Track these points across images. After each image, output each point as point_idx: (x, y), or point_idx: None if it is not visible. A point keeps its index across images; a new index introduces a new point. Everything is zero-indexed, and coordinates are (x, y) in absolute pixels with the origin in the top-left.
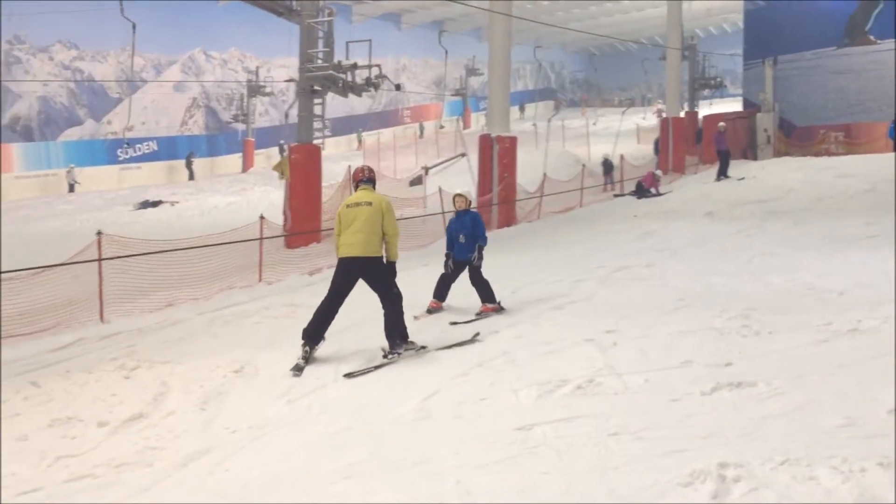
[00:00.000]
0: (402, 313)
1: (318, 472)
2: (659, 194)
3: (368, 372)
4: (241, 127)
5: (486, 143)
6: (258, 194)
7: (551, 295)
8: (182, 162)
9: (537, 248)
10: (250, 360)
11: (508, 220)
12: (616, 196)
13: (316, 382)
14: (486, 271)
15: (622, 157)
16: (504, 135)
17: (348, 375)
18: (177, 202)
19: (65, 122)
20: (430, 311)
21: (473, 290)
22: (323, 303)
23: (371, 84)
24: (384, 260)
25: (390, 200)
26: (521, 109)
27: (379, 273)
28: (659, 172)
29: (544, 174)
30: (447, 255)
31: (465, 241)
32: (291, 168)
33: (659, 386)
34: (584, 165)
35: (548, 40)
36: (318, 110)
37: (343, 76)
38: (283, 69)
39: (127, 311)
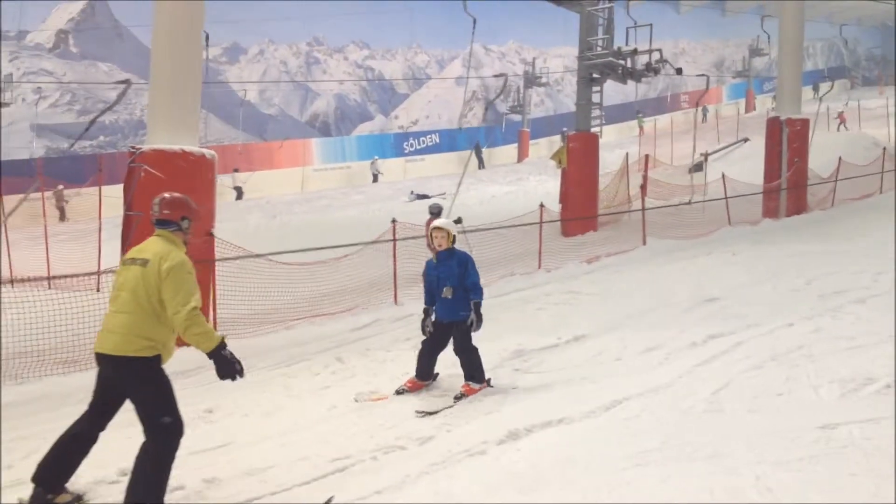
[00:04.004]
0: (166, 466)
1: (610, 458)
2: None
3: None
4: (517, 118)
5: (774, 126)
6: (534, 183)
7: (851, 287)
8: (463, 153)
9: (832, 237)
10: (525, 345)
11: (799, 207)
12: None
13: (603, 370)
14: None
15: None
16: (795, 117)
17: None
18: (444, 194)
19: (358, 117)
20: (399, 392)
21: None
22: (75, 424)
23: (651, 69)
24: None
25: (183, 261)
26: (816, 89)
27: (140, 386)
28: None
29: (839, 158)
30: (425, 312)
31: (453, 296)
32: (569, 157)
33: None
34: (884, 148)
35: (841, 15)
36: (596, 98)
37: (622, 62)
38: (558, 59)
39: (417, 295)
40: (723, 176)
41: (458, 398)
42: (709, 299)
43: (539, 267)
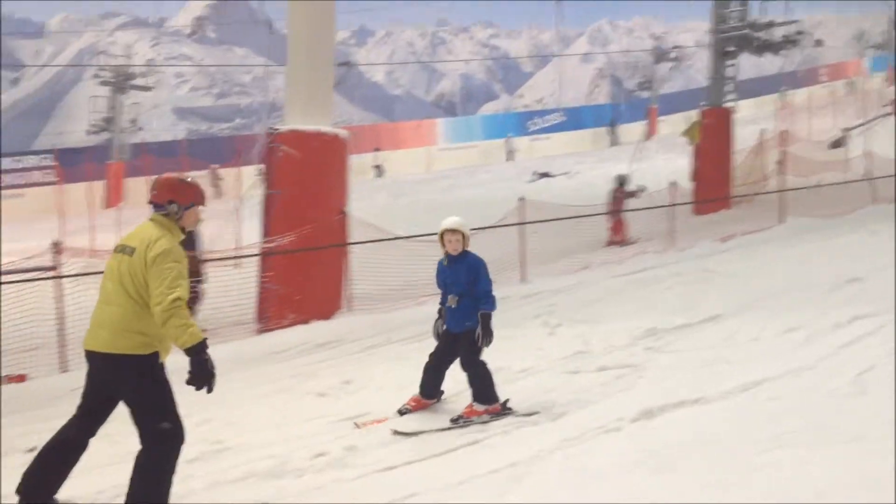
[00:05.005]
0: (166, 477)
1: (748, 439)
2: None
3: None
4: (644, 94)
5: None
6: (662, 161)
7: None
8: (598, 130)
9: None
10: (658, 324)
11: None
12: None
13: (739, 351)
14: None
15: None
16: None
17: None
18: (567, 173)
19: (483, 96)
20: (402, 412)
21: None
22: (62, 430)
23: (789, 41)
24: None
25: (170, 248)
26: None
27: (136, 387)
28: None
29: None
30: (440, 312)
31: (459, 304)
32: (702, 133)
33: None
34: None
35: None
36: (730, 72)
37: (759, 35)
38: (688, 34)
39: (546, 272)
40: (867, 152)
41: (455, 420)
42: (851, 279)
43: (671, 245)
